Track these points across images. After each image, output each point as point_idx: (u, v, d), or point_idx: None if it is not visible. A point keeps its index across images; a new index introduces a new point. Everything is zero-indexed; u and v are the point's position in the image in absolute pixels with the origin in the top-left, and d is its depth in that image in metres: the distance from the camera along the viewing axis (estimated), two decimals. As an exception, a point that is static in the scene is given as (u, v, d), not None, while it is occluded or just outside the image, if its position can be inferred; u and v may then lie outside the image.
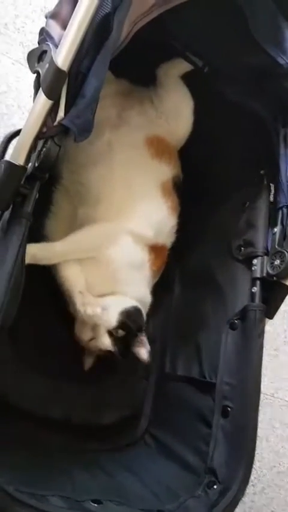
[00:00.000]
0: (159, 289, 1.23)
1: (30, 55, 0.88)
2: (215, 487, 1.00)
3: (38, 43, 0.90)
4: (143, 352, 1.12)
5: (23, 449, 0.99)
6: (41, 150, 0.82)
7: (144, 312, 1.17)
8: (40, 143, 0.84)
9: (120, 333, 1.11)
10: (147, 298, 1.20)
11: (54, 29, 0.85)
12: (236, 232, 1.23)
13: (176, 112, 1.27)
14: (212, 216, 1.31)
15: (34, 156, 0.84)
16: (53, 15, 0.88)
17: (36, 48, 0.88)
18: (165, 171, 1.23)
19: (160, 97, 1.27)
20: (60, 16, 0.86)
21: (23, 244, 0.84)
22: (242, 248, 1.21)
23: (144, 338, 1.14)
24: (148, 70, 1.27)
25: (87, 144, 1.16)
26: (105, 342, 1.11)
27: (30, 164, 0.85)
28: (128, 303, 1.13)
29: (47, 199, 1.20)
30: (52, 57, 0.79)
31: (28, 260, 0.94)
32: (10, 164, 0.81)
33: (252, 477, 1.04)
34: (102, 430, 1.19)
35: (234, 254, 1.22)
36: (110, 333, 1.11)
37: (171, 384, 1.24)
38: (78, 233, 1.11)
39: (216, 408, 1.09)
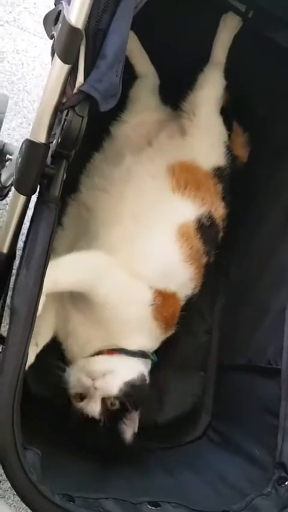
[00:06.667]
0: (215, 276, 1.13)
1: (46, 19, 0.79)
2: (286, 483, 0.91)
3: (54, 4, 0.80)
4: (129, 432, 0.97)
5: (79, 452, 0.95)
6: (63, 123, 0.73)
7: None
8: (63, 116, 0.75)
9: (115, 404, 0.94)
10: (150, 350, 1.04)
11: (68, -16, 0.76)
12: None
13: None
14: (266, 182, 1.19)
15: (58, 131, 0.76)
16: None
17: (52, 10, 0.78)
18: (188, 209, 1.06)
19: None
20: None
21: (54, 233, 0.76)
22: (304, 215, 1.09)
23: (136, 417, 0.98)
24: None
25: (109, 165, 1.10)
26: (95, 409, 0.94)
27: (54, 141, 0.77)
28: (136, 369, 0.97)
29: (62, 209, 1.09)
30: (65, 16, 0.69)
31: None
32: (30, 142, 0.73)
33: None
34: (161, 428, 1.12)
35: (295, 222, 1.11)
36: (104, 401, 0.94)
37: (232, 374, 1.15)
38: (70, 255, 0.95)
39: (283, 395, 0.98)
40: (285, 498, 0.88)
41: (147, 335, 1.02)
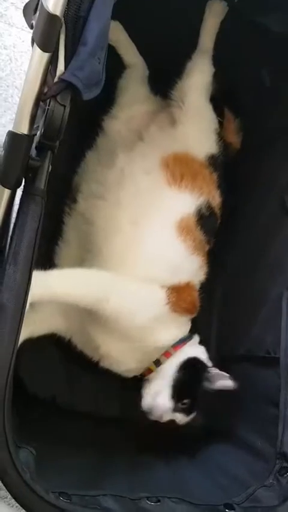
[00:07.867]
0: (212, 268, 1.11)
1: (26, 8, 0.77)
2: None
3: (35, -7, 0.79)
4: (227, 383, 1.02)
5: (76, 449, 0.94)
6: (46, 113, 0.71)
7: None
8: (45, 107, 0.73)
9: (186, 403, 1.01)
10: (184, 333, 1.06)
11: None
12: (289, 185, 1.10)
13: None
14: (258, 170, 1.17)
15: (41, 122, 0.74)
16: None
17: (32, -1, 0.77)
18: (186, 201, 1.05)
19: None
20: None
21: (40, 227, 0.74)
22: (298, 202, 1.07)
23: (216, 371, 1.04)
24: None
25: (103, 168, 1.09)
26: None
27: (38, 132, 0.75)
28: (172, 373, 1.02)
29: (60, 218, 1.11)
30: (42, 3, 0.67)
31: None
32: (13, 134, 0.71)
33: None
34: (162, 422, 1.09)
35: (289, 210, 1.09)
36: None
37: (232, 365, 1.12)
38: (79, 270, 0.97)
39: (283, 385, 0.97)
40: (287, 489, 0.87)
41: (175, 326, 1.04)
